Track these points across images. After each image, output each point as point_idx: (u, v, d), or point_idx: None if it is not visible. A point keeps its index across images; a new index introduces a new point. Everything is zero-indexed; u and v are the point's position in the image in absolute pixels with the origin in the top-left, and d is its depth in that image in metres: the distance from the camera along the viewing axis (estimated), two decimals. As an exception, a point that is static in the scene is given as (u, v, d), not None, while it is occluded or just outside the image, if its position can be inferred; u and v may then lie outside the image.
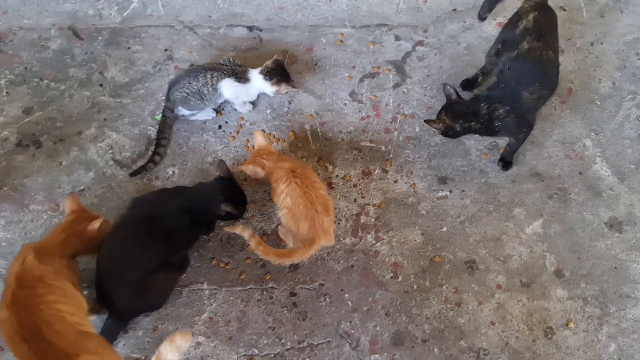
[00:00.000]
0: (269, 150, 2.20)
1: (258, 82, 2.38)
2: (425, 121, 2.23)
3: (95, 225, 1.97)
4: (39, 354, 1.66)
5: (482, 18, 2.41)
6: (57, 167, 2.38)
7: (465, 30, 2.69)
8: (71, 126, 2.46)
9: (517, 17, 2.26)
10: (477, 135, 2.33)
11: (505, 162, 2.36)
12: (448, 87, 2.21)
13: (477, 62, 2.59)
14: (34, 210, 2.29)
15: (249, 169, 2.17)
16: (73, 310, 1.79)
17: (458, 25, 2.70)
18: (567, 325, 2.08)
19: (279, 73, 2.38)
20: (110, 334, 2.04)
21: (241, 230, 2.06)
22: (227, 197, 2.11)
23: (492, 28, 2.69)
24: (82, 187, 2.34)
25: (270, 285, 2.17)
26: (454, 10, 2.75)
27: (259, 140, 2.22)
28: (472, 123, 2.19)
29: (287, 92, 2.44)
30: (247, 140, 2.43)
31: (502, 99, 2.16)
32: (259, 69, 2.39)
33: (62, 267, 1.89)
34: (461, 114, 2.19)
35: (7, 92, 2.55)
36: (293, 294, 2.15)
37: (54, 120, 2.48)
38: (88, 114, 2.49)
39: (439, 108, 2.24)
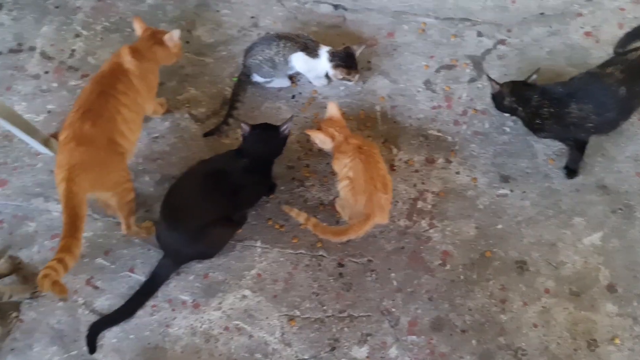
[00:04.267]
0: (341, 123, 2.22)
1: (324, 60, 2.42)
2: (487, 75, 2.33)
3: (174, 36, 2.29)
4: (76, 127, 2.00)
5: (617, 52, 2.36)
6: (137, 112, 2.51)
7: (551, 35, 2.65)
8: (155, 77, 2.59)
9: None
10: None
11: (570, 170, 2.33)
12: (537, 70, 2.26)
13: (558, 68, 2.56)
14: (110, 149, 2.43)
15: (319, 137, 2.21)
16: (129, 119, 2.12)
17: (544, 29, 2.67)
18: (612, 340, 2.05)
19: (342, 58, 2.40)
20: (163, 273, 2.16)
21: (296, 215, 2.12)
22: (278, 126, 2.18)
23: (578, 36, 2.64)
24: (156, 135, 2.46)
25: (320, 253, 2.22)
26: (542, 14, 2.71)
27: (333, 111, 2.23)
28: (520, 108, 2.23)
29: (342, 79, 2.46)
30: (318, 113, 2.49)
31: (552, 100, 2.16)
32: (328, 48, 2.43)
33: (148, 70, 2.24)
34: (518, 93, 2.23)
35: (101, 38, 2.71)
36: (341, 265, 2.20)
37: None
38: (172, 68, 2.60)
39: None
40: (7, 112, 2.23)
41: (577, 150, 2.28)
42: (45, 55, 2.66)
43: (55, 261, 1.84)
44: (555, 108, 2.15)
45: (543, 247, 2.21)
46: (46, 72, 2.61)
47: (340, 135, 2.18)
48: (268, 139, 2.18)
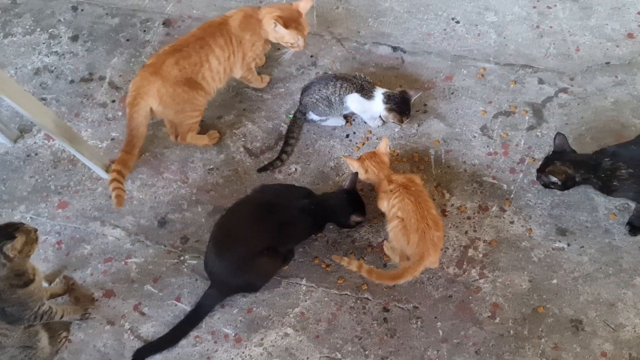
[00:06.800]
0: (382, 159, 2.23)
1: (379, 101, 2.41)
2: (548, 171, 2.12)
3: (283, 32, 2.39)
4: (160, 59, 2.29)
5: None
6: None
7: (616, 85, 2.57)
8: (214, 110, 2.66)
9: None
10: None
11: (633, 227, 2.22)
12: (562, 136, 2.16)
13: (623, 119, 2.47)
14: (166, 178, 2.50)
15: (352, 165, 2.25)
16: (215, 70, 2.36)
17: (609, 78, 2.59)
18: (674, 414, 1.91)
19: (396, 102, 2.39)
20: (208, 304, 2.18)
21: (348, 263, 2.08)
22: (355, 209, 2.22)
23: (646, 88, 2.56)
24: (211, 166, 2.52)
25: (366, 295, 2.19)
26: (607, 63, 2.64)
27: (382, 147, 2.25)
28: (591, 175, 2.10)
29: (393, 122, 2.45)
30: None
31: (629, 160, 2.04)
32: (384, 90, 2.43)
33: (247, 40, 2.42)
34: (582, 164, 2.11)
35: (166, 71, 2.82)
36: (386, 310, 2.16)
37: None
38: (230, 102, 2.68)
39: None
40: (74, 137, 2.34)
41: None
42: (113, 85, 2.78)
43: (115, 173, 2.22)
44: (635, 168, 2.03)
45: (601, 307, 2.10)
46: (113, 101, 2.73)
47: (379, 172, 2.20)
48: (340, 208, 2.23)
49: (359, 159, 2.25)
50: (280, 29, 2.37)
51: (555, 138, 2.17)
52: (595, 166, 2.09)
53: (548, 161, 2.17)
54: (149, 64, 2.30)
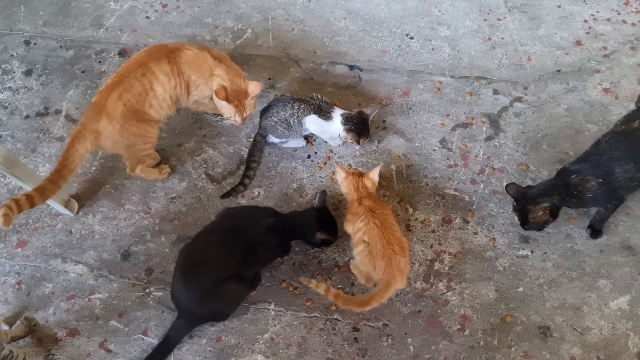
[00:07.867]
0: (365, 183, 2.17)
1: (337, 122, 2.41)
2: (532, 220, 2.12)
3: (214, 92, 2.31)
4: (103, 96, 2.20)
5: (639, 107, 2.27)
6: (155, 173, 2.55)
7: (568, 92, 2.63)
8: (174, 138, 2.64)
9: None
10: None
11: (594, 230, 2.26)
12: (512, 185, 2.16)
13: (577, 124, 2.53)
14: (128, 210, 2.46)
15: (340, 174, 2.20)
16: (162, 97, 2.27)
17: (561, 86, 2.65)
18: (644, 414, 1.93)
19: (355, 124, 2.40)
20: (176, 335, 2.13)
21: (316, 286, 2.05)
22: (322, 227, 2.21)
23: (597, 93, 2.62)
24: (173, 195, 2.49)
25: (335, 316, 2.18)
26: (558, 71, 2.70)
27: (374, 173, 2.18)
28: (565, 195, 2.10)
29: (351, 142, 2.45)
30: (333, 172, 2.49)
31: (595, 171, 2.07)
32: (342, 110, 2.43)
33: (192, 79, 2.32)
34: (551, 189, 2.11)
35: (123, 101, 2.79)
36: (356, 329, 2.15)
37: (159, 130, 2.66)
38: (190, 129, 2.67)
39: (521, 183, 2.21)
40: (30, 175, 2.29)
41: (611, 210, 2.20)
42: (70, 118, 2.74)
43: (24, 196, 2.00)
44: (603, 178, 2.06)
45: (567, 312, 2.13)
46: (70, 135, 2.69)
47: (355, 192, 2.17)
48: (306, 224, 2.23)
49: (350, 176, 2.19)
50: (219, 100, 2.31)
51: (507, 190, 2.17)
52: (565, 185, 2.10)
53: (523, 212, 2.15)
54: (93, 103, 2.21)
